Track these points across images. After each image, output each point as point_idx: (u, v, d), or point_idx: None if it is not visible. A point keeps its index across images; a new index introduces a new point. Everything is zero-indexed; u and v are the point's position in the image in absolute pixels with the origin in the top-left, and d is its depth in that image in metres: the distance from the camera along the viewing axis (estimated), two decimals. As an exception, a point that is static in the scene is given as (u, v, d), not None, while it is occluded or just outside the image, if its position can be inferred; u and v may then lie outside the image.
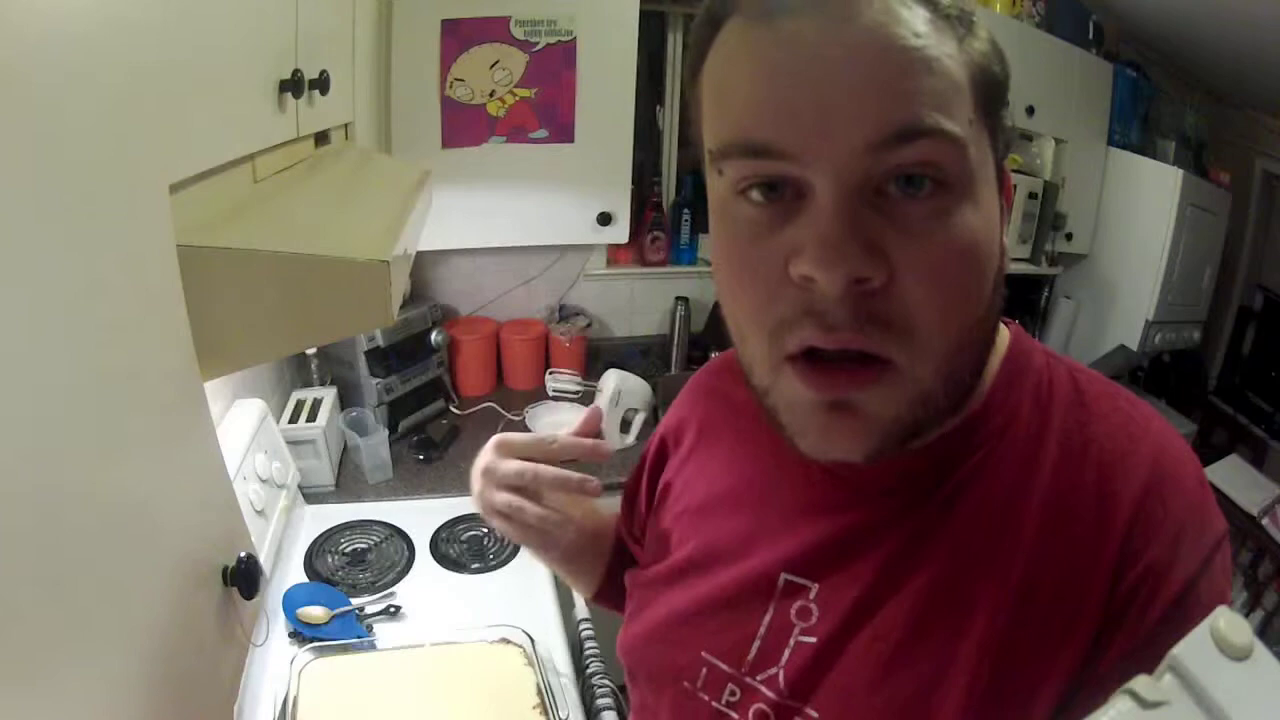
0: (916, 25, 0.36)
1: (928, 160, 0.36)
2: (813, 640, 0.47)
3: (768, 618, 0.49)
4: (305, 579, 1.34)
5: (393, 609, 1.28)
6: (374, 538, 1.47)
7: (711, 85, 0.41)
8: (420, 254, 1.50)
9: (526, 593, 1.36)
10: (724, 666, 0.50)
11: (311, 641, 1.16)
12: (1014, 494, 0.44)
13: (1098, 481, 0.43)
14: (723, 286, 0.43)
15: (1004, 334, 0.49)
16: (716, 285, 0.44)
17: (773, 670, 0.48)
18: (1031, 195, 2.10)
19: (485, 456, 0.62)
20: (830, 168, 0.36)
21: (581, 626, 1.29)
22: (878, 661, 0.44)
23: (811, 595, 0.48)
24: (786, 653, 0.48)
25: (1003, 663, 0.41)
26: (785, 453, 0.52)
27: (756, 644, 0.49)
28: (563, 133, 1.77)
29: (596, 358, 2.17)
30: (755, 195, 0.39)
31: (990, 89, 0.39)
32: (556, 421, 1.84)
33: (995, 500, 0.44)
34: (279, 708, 1.04)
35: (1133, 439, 0.44)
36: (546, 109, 1.75)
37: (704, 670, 0.51)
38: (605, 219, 1.85)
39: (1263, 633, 1.95)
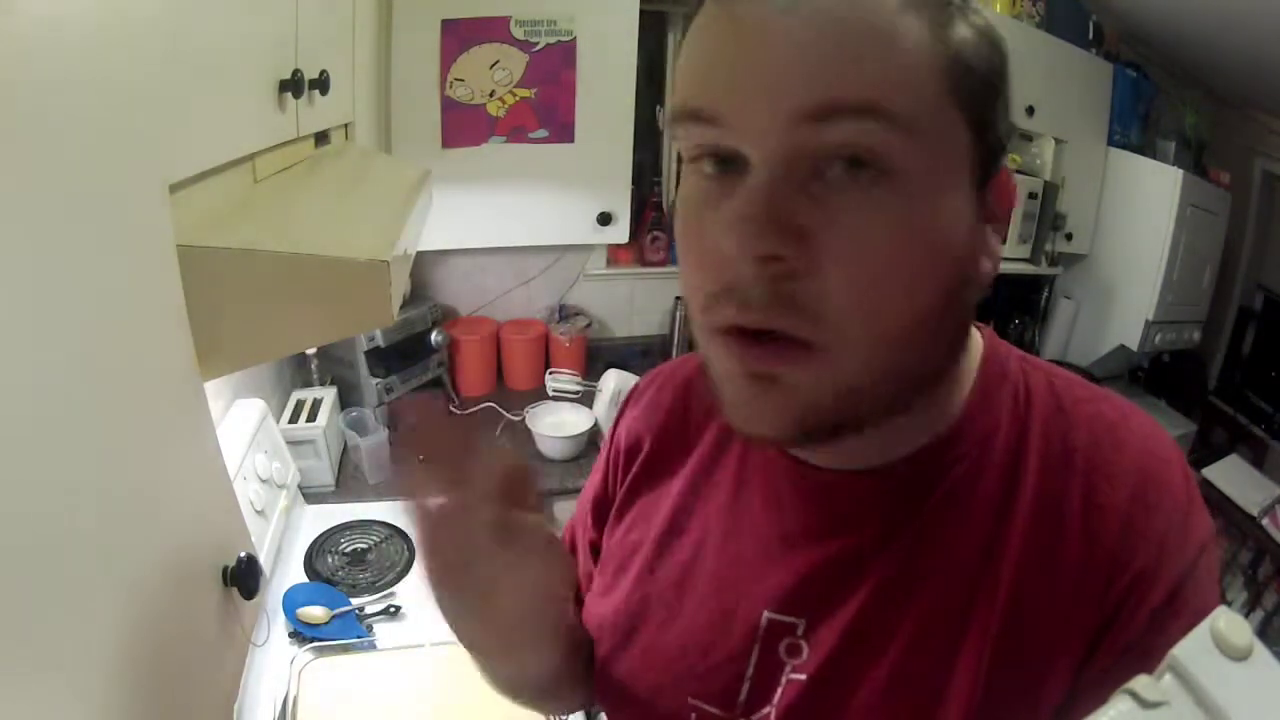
0: (883, 3, 0.35)
1: (864, 144, 0.35)
2: (803, 677, 0.46)
3: (755, 657, 0.48)
4: (305, 579, 1.34)
5: (393, 609, 1.28)
6: (374, 538, 1.47)
7: (679, 64, 0.41)
8: (420, 254, 1.50)
9: (526, 593, 1.35)
10: (714, 710, 0.49)
11: (311, 641, 1.16)
12: (998, 509, 0.43)
13: (1084, 493, 0.42)
14: (679, 259, 0.43)
15: (976, 340, 0.47)
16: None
17: (766, 710, 0.47)
18: (1031, 195, 2.10)
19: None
20: (759, 137, 0.36)
21: (581, 626, 1.29)
22: (873, 690, 0.44)
23: (799, 631, 0.47)
24: (779, 691, 0.47)
25: (998, 680, 0.41)
26: (752, 477, 0.51)
27: (747, 685, 0.48)
28: (563, 133, 1.77)
29: (596, 358, 2.17)
30: (706, 167, 0.39)
31: (969, 81, 0.37)
32: (557, 421, 1.84)
33: (979, 516, 0.43)
34: (279, 708, 1.04)
35: (1116, 446, 0.43)
36: (546, 109, 1.75)
37: (693, 715, 0.50)
38: (605, 219, 1.85)
39: (1263, 633, 1.95)
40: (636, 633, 0.54)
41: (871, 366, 0.38)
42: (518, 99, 1.73)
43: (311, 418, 1.59)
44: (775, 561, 0.48)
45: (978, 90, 0.37)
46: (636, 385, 0.64)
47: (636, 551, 0.56)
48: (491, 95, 1.71)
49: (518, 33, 1.68)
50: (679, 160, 2.16)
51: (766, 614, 0.48)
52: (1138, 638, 0.39)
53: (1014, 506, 0.43)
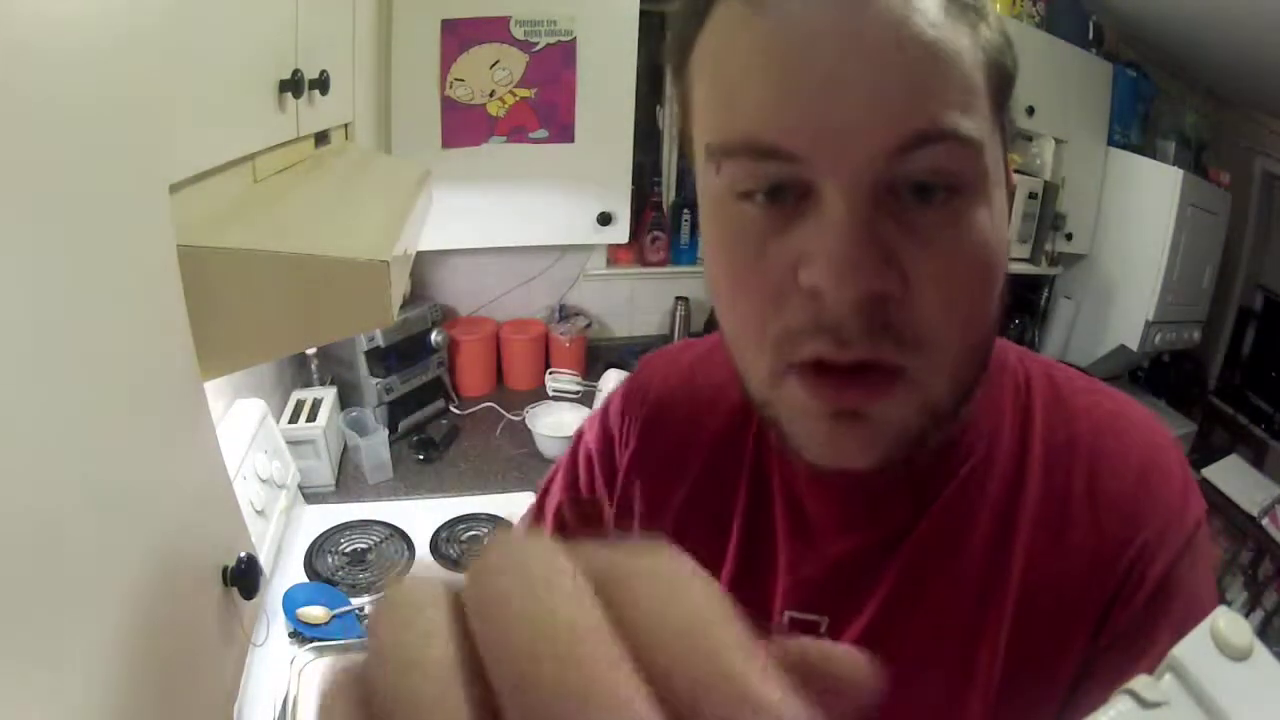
0: (932, 13, 0.33)
1: (945, 167, 0.34)
2: None
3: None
4: (305, 579, 1.34)
5: (393, 609, 1.28)
6: (374, 538, 1.47)
7: (707, 73, 0.38)
8: (420, 254, 1.50)
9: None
10: None
11: (311, 641, 1.16)
12: (1006, 499, 0.44)
13: (1088, 481, 0.43)
14: (719, 293, 0.40)
15: None
16: (711, 290, 0.41)
17: None
18: (1031, 195, 2.10)
19: None
20: (845, 173, 0.34)
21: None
22: (895, 684, 0.44)
23: (823, 630, 0.47)
24: None
25: (1014, 668, 0.42)
26: (769, 478, 0.51)
27: None
28: (563, 133, 1.77)
29: (596, 358, 2.17)
30: (759, 198, 0.36)
31: (1002, 82, 0.37)
32: (557, 421, 1.84)
33: (989, 507, 0.44)
34: (279, 708, 1.04)
35: (1118, 436, 0.44)
36: (546, 109, 1.75)
37: None
38: (605, 219, 1.85)
39: (1263, 633, 1.95)
40: None
41: (954, 379, 0.38)
42: (518, 99, 1.73)
43: (311, 418, 1.59)
44: (794, 560, 0.48)
45: (1005, 88, 0.38)
46: (627, 382, 0.62)
47: None
48: (491, 95, 1.71)
49: (518, 33, 1.68)
50: (679, 161, 2.13)
51: (788, 613, 0.48)
52: (1138, 615, 0.41)
53: (1021, 496, 0.44)
